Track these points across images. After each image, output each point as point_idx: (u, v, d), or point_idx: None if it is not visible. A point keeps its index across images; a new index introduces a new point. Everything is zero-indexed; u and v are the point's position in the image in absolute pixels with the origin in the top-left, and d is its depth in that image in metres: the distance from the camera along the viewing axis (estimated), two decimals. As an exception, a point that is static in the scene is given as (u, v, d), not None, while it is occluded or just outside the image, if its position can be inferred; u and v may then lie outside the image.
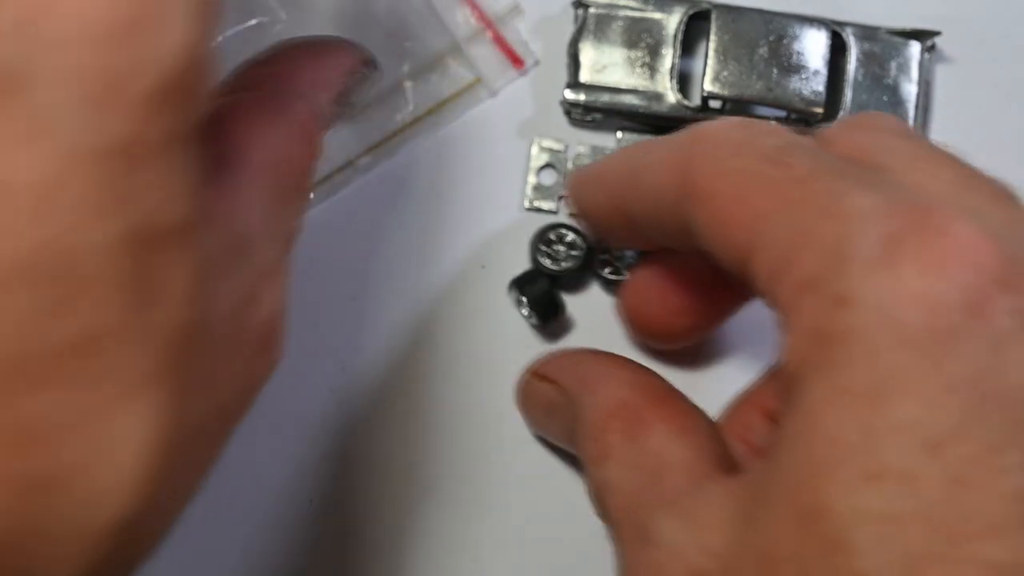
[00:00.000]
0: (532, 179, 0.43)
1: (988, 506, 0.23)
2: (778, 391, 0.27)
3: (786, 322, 0.27)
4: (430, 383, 0.42)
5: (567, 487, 0.41)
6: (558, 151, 0.43)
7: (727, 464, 0.31)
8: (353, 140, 0.44)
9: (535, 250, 0.42)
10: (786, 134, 0.30)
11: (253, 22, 0.44)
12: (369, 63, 0.35)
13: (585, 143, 0.44)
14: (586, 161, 0.43)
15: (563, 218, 0.43)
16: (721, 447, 0.32)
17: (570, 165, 0.43)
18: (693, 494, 0.29)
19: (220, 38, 0.43)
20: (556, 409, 0.38)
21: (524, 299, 0.42)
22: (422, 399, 0.42)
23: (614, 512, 0.31)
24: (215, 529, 0.42)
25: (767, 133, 0.30)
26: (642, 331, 0.40)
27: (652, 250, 0.38)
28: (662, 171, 0.32)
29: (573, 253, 0.42)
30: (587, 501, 0.33)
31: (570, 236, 0.42)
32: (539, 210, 0.43)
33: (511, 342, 0.43)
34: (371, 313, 0.43)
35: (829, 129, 0.32)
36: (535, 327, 0.43)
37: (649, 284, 0.38)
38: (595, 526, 0.33)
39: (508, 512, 0.42)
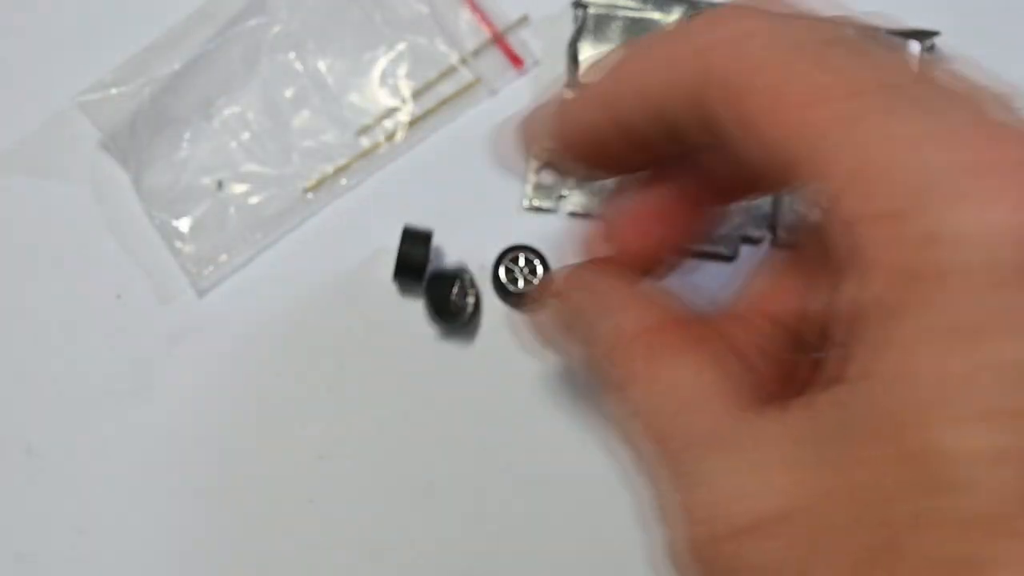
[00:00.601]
0: (532, 178, 0.43)
1: None
2: (837, 321, 0.26)
3: (856, 252, 0.25)
4: (431, 383, 0.43)
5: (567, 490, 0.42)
6: None
7: (763, 392, 0.29)
8: (354, 141, 0.44)
9: (496, 267, 0.42)
10: (826, 28, 0.27)
11: (253, 22, 0.44)
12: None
13: None
14: None
15: (530, 240, 0.43)
16: (752, 372, 0.30)
17: None
18: (740, 429, 0.28)
19: (219, 38, 0.44)
20: (571, 329, 0.35)
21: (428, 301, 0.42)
22: (423, 399, 0.42)
23: (647, 445, 0.30)
24: (216, 528, 0.42)
25: (806, 27, 0.27)
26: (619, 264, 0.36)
27: (637, 172, 0.35)
28: (675, 65, 0.28)
29: (532, 279, 0.42)
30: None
31: (534, 260, 0.42)
32: (539, 209, 0.43)
33: (511, 341, 0.43)
34: (371, 312, 0.43)
35: None
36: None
37: (630, 214, 0.35)
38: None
39: (509, 512, 0.42)
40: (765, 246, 0.43)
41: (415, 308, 0.43)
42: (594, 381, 0.36)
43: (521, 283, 0.42)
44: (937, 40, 0.43)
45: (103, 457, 0.42)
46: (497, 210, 0.44)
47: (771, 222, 0.43)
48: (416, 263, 0.41)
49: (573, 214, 0.43)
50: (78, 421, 0.42)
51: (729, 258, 0.43)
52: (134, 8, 0.44)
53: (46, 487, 0.42)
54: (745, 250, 0.43)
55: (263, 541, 0.42)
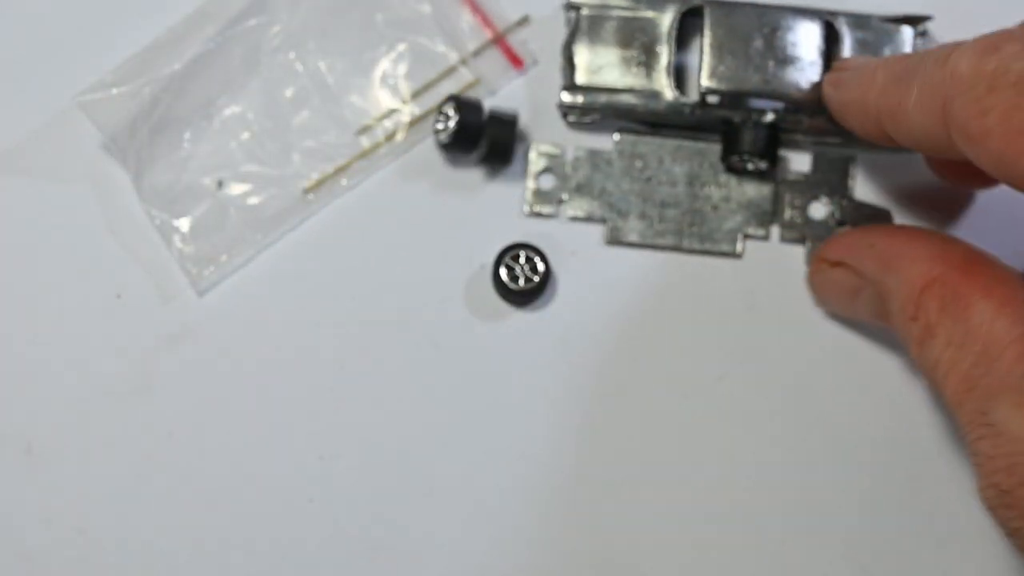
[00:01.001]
0: (531, 184, 0.43)
1: None
2: None
3: None
4: (431, 383, 0.42)
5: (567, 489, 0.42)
6: (556, 155, 0.43)
7: None
8: (354, 141, 0.44)
9: (497, 265, 0.42)
10: None
11: (253, 22, 0.44)
12: None
13: (583, 147, 0.44)
14: (584, 167, 0.43)
15: (530, 238, 0.43)
16: None
17: (568, 170, 0.43)
18: None
19: (219, 38, 0.44)
20: (859, 292, 0.38)
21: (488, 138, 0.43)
22: (423, 399, 0.42)
23: (951, 394, 0.31)
24: (216, 527, 0.42)
25: (1014, 56, 0.30)
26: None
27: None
28: (924, 113, 0.32)
29: (533, 276, 0.42)
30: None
31: (535, 258, 0.42)
32: (539, 215, 0.43)
33: (511, 342, 0.43)
34: (372, 312, 0.43)
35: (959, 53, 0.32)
36: (442, 146, 0.43)
37: None
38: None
39: (509, 513, 0.42)
40: (774, 242, 0.43)
41: (415, 308, 0.43)
42: (893, 338, 0.37)
43: (522, 281, 0.42)
44: (929, 25, 0.43)
45: (103, 457, 0.42)
46: (497, 210, 0.44)
47: (772, 220, 0.43)
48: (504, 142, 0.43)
49: (574, 218, 0.43)
50: (78, 421, 0.42)
51: (735, 255, 0.43)
52: (134, 8, 0.44)
53: (46, 487, 0.42)
54: (751, 246, 0.43)
55: (263, 541, 0.42)
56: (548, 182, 0.43)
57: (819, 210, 0.43)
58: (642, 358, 0.42)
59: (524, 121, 0.44)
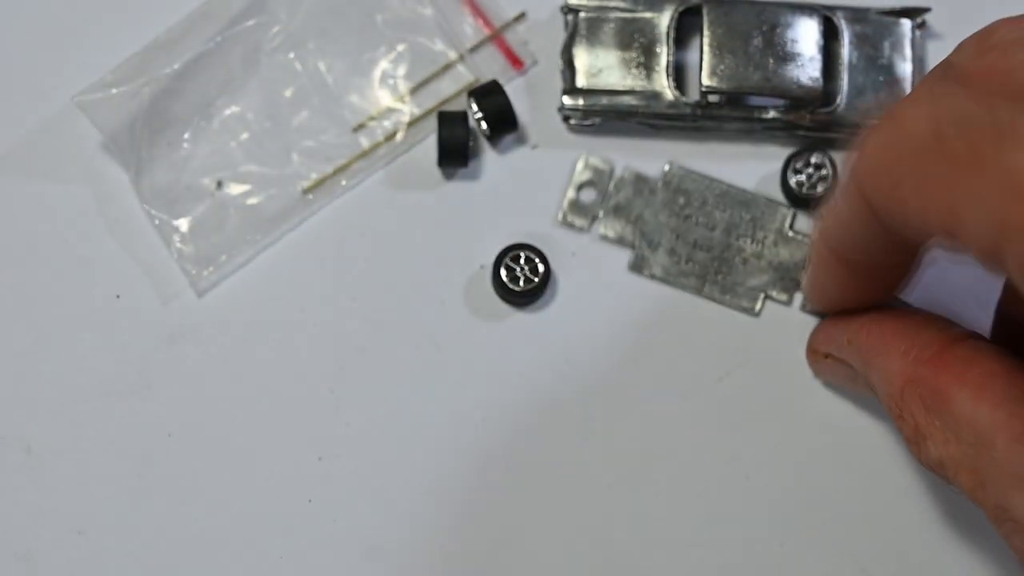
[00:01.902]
0: (571, 194, 0.43)
1: None
2: None
3: None
4: (431, 383, 0.42)
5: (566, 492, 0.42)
6: (602, 170, 0.43)
7: None
8: (353, 141, 0.44)
9: (497, 265, 0.42)
10: None
11: (253, 22, 0.44)
12: None
13: (632, 168, 0.43)
14: (626, 189, 0.43)
15: (528, 239, 0.42)
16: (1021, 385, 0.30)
17: (611, 188, 0.43)
18: None
19: (219, 38, 0.44)
20: (855, 379, 0.37)
21: (479, 111, 0.42)
22: (423, 399, 0.42)
23: (968, 493, 0.30)
24: (215, 528, 0.42)
25: None
26: None
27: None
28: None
29: (533, 277, 0.42)
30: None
31: (535, 259, 0.42)
32: (571, 226, 0.43)
33: (511, 342, 0.43)
34: (371, 313, 0.43)
35: (954, 56, 0.30)
36: (486, 137, 0.43)
37: None
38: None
39: (508, 512, 0.42)
40: (794, 309, 0.43)
41: (415, 308, 0.43)
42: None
43: (522, 282, 0.42)
44: (928, 17, 0.43)
45: (103, 457, 0.42)
46: (497, 209, 0.44)
47: (798, 287, 0.43)
48: (458, 145, 0.42)
49: (604, 238, 0.43)
50: (78, 421, 0.42)
51: (753, 313, 0.43)
52: (134, 8, 0.44)
53: (46, 487, 0.42)
54: (771, 307, 0.43)
55: (263, 541, 0.42)
56: (588, 195, 0.43)
57: None
58: (641, 359, 0.42)
59: (524, 123, 0.44)
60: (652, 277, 0.43)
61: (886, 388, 0.33)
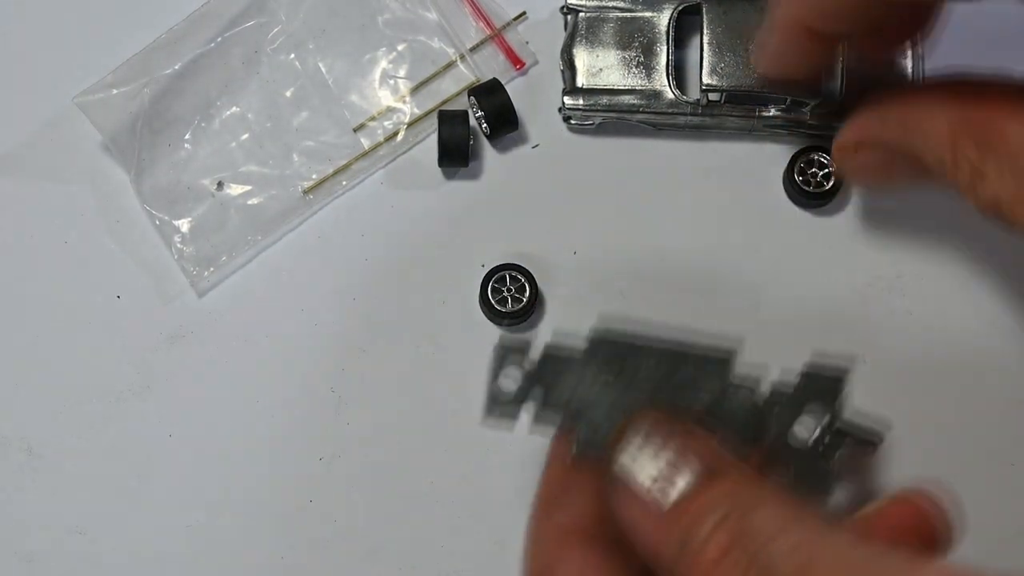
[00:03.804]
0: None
1: None
2: None
3: None
4: (431, 383, 0.43)
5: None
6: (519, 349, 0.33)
7: None
8: (354, 141, 0.44)
9: (484, 287, 0.42)
10: None
11: (253, 22, 0.44)
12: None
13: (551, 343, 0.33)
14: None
15: (529, 238, 0.42)
16: None
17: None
18: None
19: (219, 38, 0.44)
20: (890, 165, 0.37)
21: (480, 109, 0.42)
22: (423, 399, 0.42)
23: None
24: (216, 528, 0.42)
25: None
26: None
27: None
28: None
29: (520, 297, 0.42)
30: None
31: (521, 279, 0.42)
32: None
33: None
34: (372, 313, 0.43)
35: None
36: (487, 136, 0.43)
37: None
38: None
39: (508, 512, 0.42)
40: None
41: (415, 308, 0.43)
42: None
43: (509, 303, 0.42)
44: None
45: (103, 457, 0.42)
46: (497, 209, 0.44)
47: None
48: (459, 144, 0.42)
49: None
50: (78, 421, 0.42)
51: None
52: (134, 8, 0.44)
53: (47, 487, 0.42)
54: None
55: (263, 541, 0.42)
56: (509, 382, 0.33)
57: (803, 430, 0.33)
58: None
59: (524, 122, 0.44)
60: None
61: (937, 143, 0.33)
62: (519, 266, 0.42)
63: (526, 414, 0.32)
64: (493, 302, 0.41)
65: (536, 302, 0.42)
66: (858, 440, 0.33)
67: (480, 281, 0.42)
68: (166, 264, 0.43)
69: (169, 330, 0.43)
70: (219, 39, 0.44)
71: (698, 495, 0.28)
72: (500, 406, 0.33)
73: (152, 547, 0.41)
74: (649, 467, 0.29)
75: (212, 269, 0.43)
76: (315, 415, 0.42)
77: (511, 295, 0.42)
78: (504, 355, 0.33)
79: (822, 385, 0.33)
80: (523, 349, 0.33)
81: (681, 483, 0.29)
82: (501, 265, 0.42)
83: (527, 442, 0.42)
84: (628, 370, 0.32)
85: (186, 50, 0.43)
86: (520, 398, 0.33)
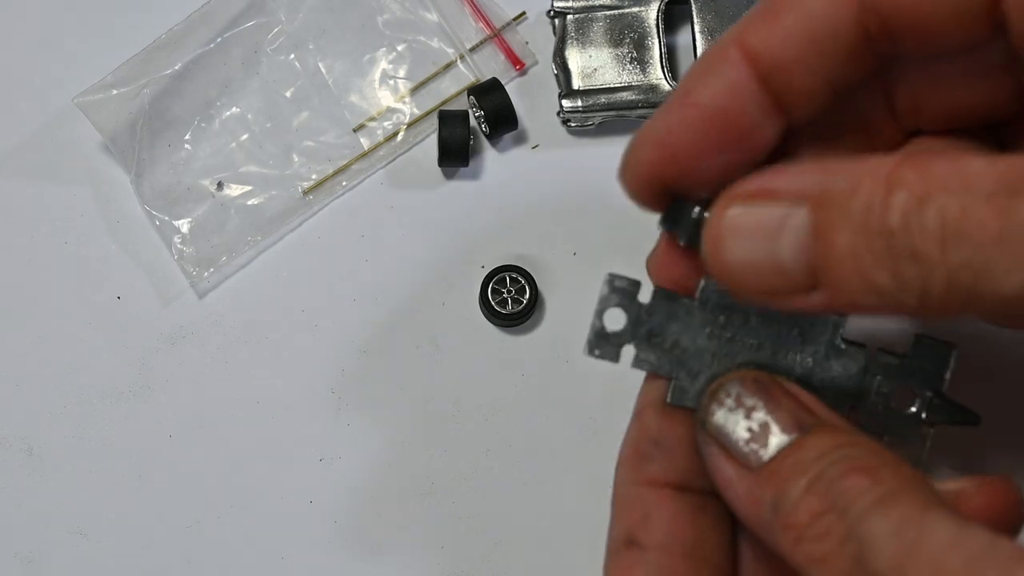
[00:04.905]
0: (596, 322, 0.33)
1: None
2: None
3: None
4: (431, 383, 0.42)
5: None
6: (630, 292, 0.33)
7: None
8: (353, 141, 0.44)
9: (484, 288, 0.42)
10: None
11: (253, 23, 0.44)
12: None
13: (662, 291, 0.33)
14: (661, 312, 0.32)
15: (528, 238, 0.42)
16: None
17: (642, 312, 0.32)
18: None
19: (219, 38, 0.44)
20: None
21: (480, 108, 0.42)
22: (423, 399, 0.42)
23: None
24: (216, 528, 0.42)
25: None
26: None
27: None
28: None
29: (520, 299, 0.42)
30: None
31: (521, 280, 0.42)
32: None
33: (511, 342, 0.43)
34: (372, 313, 0.43)
35: None
36: (486, 135, 0.43)
37: None
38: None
39: (508, 512, 0.42)
40: None
41: (415, 309, 0.43)
42: None
43: (510, 305, 0.42)
44: None
45: (104, 457, 0.42)
46: (497, 209, 0.44)
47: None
48: (459, 144, 0.42)
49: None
50: (78, 421, 0.42)
51: None
52: (134, 9, 0.44)
53: (47, 487, 0.42)
54: None
55: (263, 541, 0.42)
56: (615, 322, 0.33)
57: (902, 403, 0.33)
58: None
59: (524, 122, 0.44)
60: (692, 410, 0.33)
61: (872, 180, 0.28)
62: (519, 268, 0.42)
63: (627, 353, 0.32)
64: (493, 304, 0.41)
65: (536, 304, 0.42)
66: (956, 418, 0.33)
67: (480, 282, 0.42)
68: (166, 265, 0.43)
69: (169, 331, 0.43)
70: (219, 39, 0.44)
71: (790, 454, 0.28)
72: (602, 343, 0.33)
73: (152, 547, 0.41)
74: (743, 425, 0.29)
75: (212, 270, 0.43)
76: (315, 415, 0.42)
77: (511, 297, 0.42)
78: (612, 292, 0.33)
79: (927, 360, 0.33)
80: (631, 290, 0.32)
81: (775, 442, 0.28)
82: (501, 267, 0.42)
83: (526, 442, 0.42)
84: (735, 322, 0.33)
85: (186, 50, 0.43)
86: (624, 339, 0.33)
